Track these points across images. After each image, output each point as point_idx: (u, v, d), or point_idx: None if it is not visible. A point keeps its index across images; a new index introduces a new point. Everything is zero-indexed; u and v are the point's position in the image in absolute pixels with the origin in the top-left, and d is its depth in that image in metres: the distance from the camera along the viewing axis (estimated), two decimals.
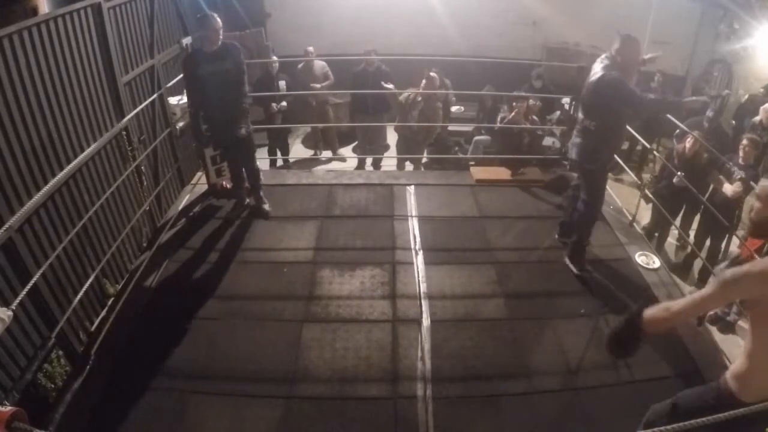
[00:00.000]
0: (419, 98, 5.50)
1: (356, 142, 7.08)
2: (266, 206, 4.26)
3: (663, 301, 3.39)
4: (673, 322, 1.89)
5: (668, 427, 1.39)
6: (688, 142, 4.68)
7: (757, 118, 5.75)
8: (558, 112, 7.09)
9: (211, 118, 3.91)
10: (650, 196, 4.87)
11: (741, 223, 5.02)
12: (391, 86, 5.70)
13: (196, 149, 4.60)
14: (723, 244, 4.98)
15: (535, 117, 5.38)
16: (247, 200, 4.37)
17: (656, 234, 5.51)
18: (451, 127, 7.08)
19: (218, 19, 3.63)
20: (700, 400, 1.88)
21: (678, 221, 5.05)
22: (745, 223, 4.95)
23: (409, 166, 6.14)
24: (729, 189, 4.40)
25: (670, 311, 1.84)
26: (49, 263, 2.69)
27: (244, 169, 4.20)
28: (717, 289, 1.70)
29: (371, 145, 6.31)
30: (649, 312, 1.88)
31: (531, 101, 5.93)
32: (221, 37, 3.68)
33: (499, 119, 5.36)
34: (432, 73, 5.48)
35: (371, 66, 5.99)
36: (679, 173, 4.31)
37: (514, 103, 5.18)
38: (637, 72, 3.38)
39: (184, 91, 4.55)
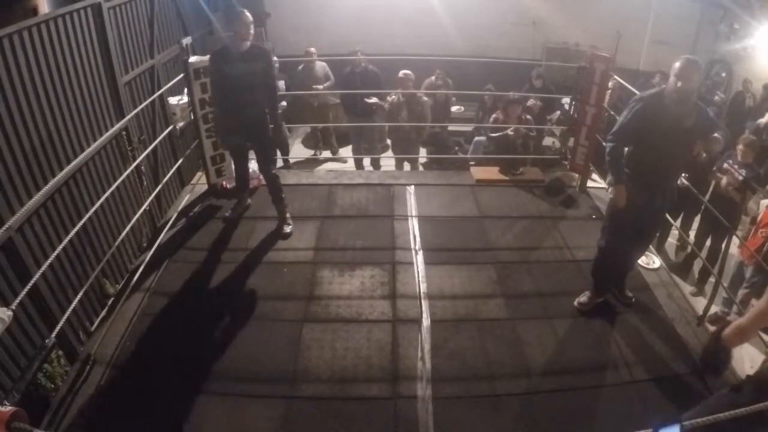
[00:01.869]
0: (403, 98, 5.52)
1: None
2: (288, 228, 4.04)
3: (664, 302, 3.42)
4: (747, 334, 2.03)
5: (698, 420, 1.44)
6: None
7: (762, 121, 5.75)
8: (558, 112, 7.10)
9: (231, 118, 3.77)
10: None
11: (741, 223, 5.03)
12: (374, 99, 5.72)
13: (197, 149, 4.59)
14: (723, 245, 4.98)
15: (528, 117, 5.38)
16: (248, 201, 4.37)
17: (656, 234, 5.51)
18: (451, 127, 7.09)
19: (249, 15, 3.49)
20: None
21: (678, 221, 5.05)
22: (745, 223, 4.96)
23: (407, 166, 6.14)
24: (724, 181, 4.43)
25: (741, 327, 1.98)
26: (49, 263, 2.68)
27: (263, 176, 4.07)
28: None
29: (367, 145, 6.31)
30: (727, 331, 2.03)
31: (531, 101, 5.94)
32: (252, 32, 3.52)
33: (491, 119, 5.36)
34: (404, 72, 5.50)
35: (358, 67, 5.97)
36: (683, 175, 4.31)
37: (508, 109, 5.16)
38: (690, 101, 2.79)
39: (185, 90, 4.56)
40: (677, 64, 2.70)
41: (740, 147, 4.56)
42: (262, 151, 3.93)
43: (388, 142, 6.70)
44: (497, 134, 5.13)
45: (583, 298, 3.35)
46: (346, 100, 6.25)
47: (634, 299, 3.40)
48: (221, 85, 3.66)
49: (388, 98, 5.62)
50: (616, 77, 4.85)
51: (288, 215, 4.10)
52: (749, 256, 4.16)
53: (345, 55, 6.08)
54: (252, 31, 3.53)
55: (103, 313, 3.43)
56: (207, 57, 4.22)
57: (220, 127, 3.95)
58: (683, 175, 4.31)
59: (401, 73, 5.51)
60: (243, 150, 4.03)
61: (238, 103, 3.65)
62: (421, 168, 6.45)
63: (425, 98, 5.73)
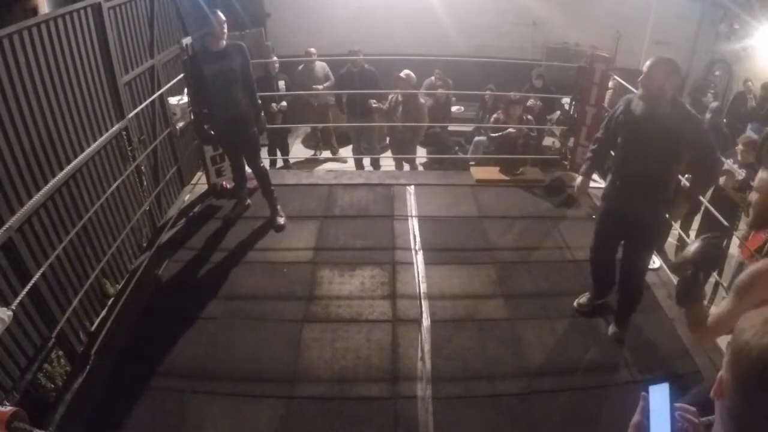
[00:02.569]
0: (400, 98, 5.52)
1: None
2: (281, 219, 4.11)
3: (664, 302, 3.42)
4: (702, 333, 1.87)
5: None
6: None
7: None
8: (558, 112, 7.10)
9: (215, 117, 3.86)
10: None
11: (741, 223, 5.02)
12: (375, 103, 5.74)
13: (197, 149, 4.60)
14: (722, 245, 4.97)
15: (530, 117, 5.38)
16: (248, 201, 4.37)
17: None
18: (451, 127, 7.08)
19: (221, 14, 3.59)
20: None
21: (678, 222, 5.04)
22: (746, 219, 4.95)
23: (406, 166, 6.14)
24: (722, 180, 4.41)
25: (703, 323, 1.83)
26: (49, 263, 2.69)
27: (251, 172, 4.13)
28: (734, 298, 1.64)
29: (366, 145, 6.30)
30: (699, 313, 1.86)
31: (531, 101, 5.95)
32: (226, 31, 3.61)
33: (492, 119, 5.36)
34: (405, 72, 5.51)
35: (356, 67, 5.96)
36: (687, 176, 4.32)
37: (510, 109, 5.16)
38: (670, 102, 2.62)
39: (185, 90, 4.56)
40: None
41: (740, 147, 4.55)
42: (247, 147, 3.98)
43: (388, 141, 6.70)
44: (498, 134, 5.13)
45: (582, 299, 3.35)
46: (344, 100, 6.19)
47: (619, 333, 3.18)
48: (202, 85, 3.72)
49: (389, 98, 5.62)
50: (616, 77, 4.85)
51: (279, 207, 4.15)
52: (749, 256, 4.15)
53: (345, 55, 6.07)
54: (225, 31, 3.60)
55: (103, 313, 3.43)
56: None
57: (200, 126, 3.98)
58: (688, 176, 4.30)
59: (403, 73, 5.51)
60: (235, 148, 4.06)
61: (223, 100, 3.71)
62: (421, 168, 6.45)
63: (422, 100, 5.73)
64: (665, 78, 2.60)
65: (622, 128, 2.81)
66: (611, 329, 3.16)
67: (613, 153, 3.11)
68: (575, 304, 3.34)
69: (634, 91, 4.80)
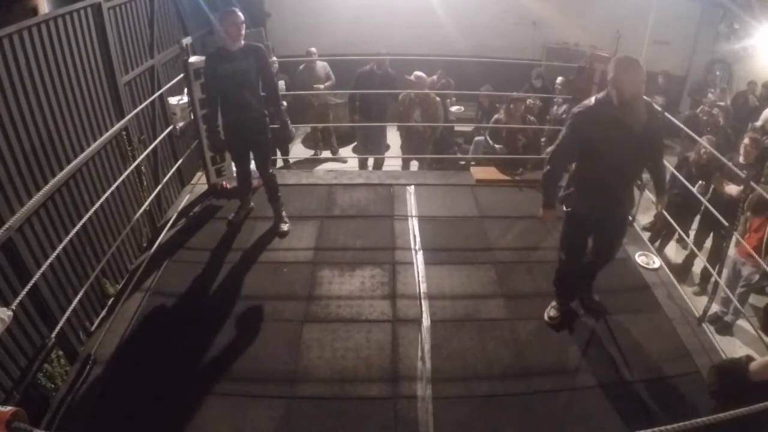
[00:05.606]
0: (416, 99, 5.51)
1: (356, 143, 7.06)
2: (285, 226, 4.06)
3: (664, 302, 3.42)
4: None
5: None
6: (702, 149, 4.67)
7: (758, 123, 5.77)
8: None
9: (227, 119, 3.75)
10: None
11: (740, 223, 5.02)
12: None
13: (197, 149, 4.59)
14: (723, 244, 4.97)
15: (532, 117, 5.38)
16: (251, 204, 4.35)
17: (661, 236, 5.49)
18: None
19: (240, 14, 3.49)
20: None
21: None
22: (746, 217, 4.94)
23: (413, 166, 6.13)
24: (734, 190, 4.37)
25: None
26: (49, 263, 2.69)
27: (260, 176, 4.07)
28: None
29: (371, 146, 6.29)
30: (755, 366, 1.97)
31: (530, 101, 5.95)
32: (243, 33, 3.51)
33: (493, 119, 5.36)
34: (417, 74, 5.53)
35: (380, 69, 5.89)
36: (700, 182, 4.39)
37: (511, 105, 5.16)
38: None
39: (185, 90, 4.56)
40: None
41: (746, 142, 4.54)
42: (258, 151, 3.91)
43: (389, 142, 6.70)
44: (500, 146, 5.13)
45: (551, 311, 3.24)
46: (357, 99, 6.10)
47: (599, 300, 3.30)
48: (216, 85, 3.62)
49: (399, 98, 5.61)
50: None
51: (284, 214, 4.11)
52: (746, 254, 4.15)
53: (346, 55, 6.06)
54: (242, 32, 3.51)
55: (103, 313, 3.43)
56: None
57: (211, 130, 3.81)
58: (702, 183, 4.33)
59: (413, 76, 5.49)
60: (244, 152, 3.99)
61: (233, 102, 3.63)
62: (426, 167, 6.44)
63: (438, 98, 5.73)
64: (640, 82, 2.54)
65: (591, 141, 2.64)
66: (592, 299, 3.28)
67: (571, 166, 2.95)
68: (546, 318, 3.22)
69: None
